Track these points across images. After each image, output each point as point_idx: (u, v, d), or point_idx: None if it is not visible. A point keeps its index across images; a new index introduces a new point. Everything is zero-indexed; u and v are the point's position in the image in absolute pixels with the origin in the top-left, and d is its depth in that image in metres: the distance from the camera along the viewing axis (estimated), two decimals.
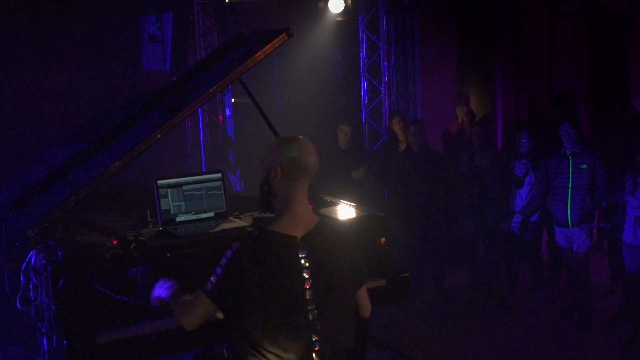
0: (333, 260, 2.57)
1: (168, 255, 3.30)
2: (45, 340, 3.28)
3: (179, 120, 3.62)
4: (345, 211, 3.84)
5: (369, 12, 8.77)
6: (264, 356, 2.48)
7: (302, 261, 2.51)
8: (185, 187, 3.79)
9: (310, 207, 3.72)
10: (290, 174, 2.54)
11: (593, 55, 9.99)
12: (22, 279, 3.34)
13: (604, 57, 9.89)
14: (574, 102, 8.88)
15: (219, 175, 3.92)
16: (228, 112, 9.83)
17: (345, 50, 10.13)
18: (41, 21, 7.51)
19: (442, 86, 9.44)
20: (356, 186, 6.75)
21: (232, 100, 9.69)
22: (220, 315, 2.60)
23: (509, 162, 6.52)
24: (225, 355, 3.67)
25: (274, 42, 3.78)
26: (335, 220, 3.68)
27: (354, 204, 3.97)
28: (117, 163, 3.37)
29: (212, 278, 2.51)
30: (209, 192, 3.85)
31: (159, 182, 3.73)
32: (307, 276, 2.51)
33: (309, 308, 2.50)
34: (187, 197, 3.78)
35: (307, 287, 2.51)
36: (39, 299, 3.26)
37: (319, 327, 2.51)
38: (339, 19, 8.88)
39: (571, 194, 5.76)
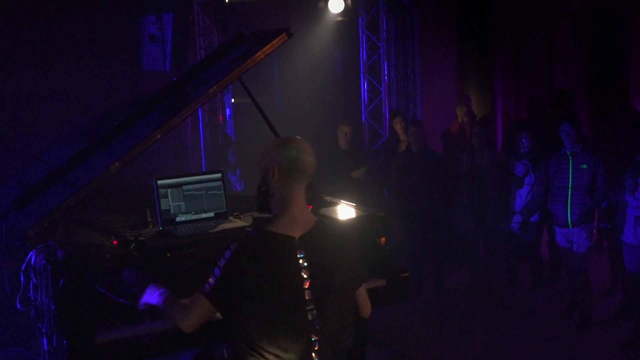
0: (331, 260, 2.57)
1: (168, 255, 3.30)
2: (45, 340, 3.28)
3: (179, 120, 3.62)
4: (345, 211, 3.84)
5: (369, 12, 8.77)
6: (263, 356, 2.48)
7: (301, 261, 2.52)
8: (185, 187, 3.79)
9: (310, 207, 3.75)
10: (288, 174, 2.54)
11: (593, 55, 9.99)
12: (22, 279, 3.34)
13: (604, 57, 9.88)
14: (574, 102, 8.88)
15: (219, 175, 3.92)
16: (228, 112, 9.83)
17: (345, 50, 10.13)
18: (41, 21, 7.51)
19: (442, 86, 9.44)
20: (356, 186, 6.75)
21: (232, 100, 9.69)
22: (219, 315, 2.60)
23: (509, 162, 6.52)
24: (225, 356, 3.66)
25: (274, 42, 3.78)
26: (334, 220, 3.69)
27: (354, 204, 3.97)
28: (117, 163, 3.37)
29: (210, 279, 2.51)
30: (209, 192, 3.85)
31: (159, 182, 3.73)
32: (305, 276, 2.51)
33: (308, 308, 2.50)
34: (187, 197, 3.78)
35: (306, 287, 2.51)
36: (39, 299, 3.26)
37: (318, 327, 2.51)
38: (339, 19, 8.88)
39: (571, 194, 5.76)
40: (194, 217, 3.79)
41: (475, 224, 6.85)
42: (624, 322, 5.87)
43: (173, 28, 7.78)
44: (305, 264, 2.52)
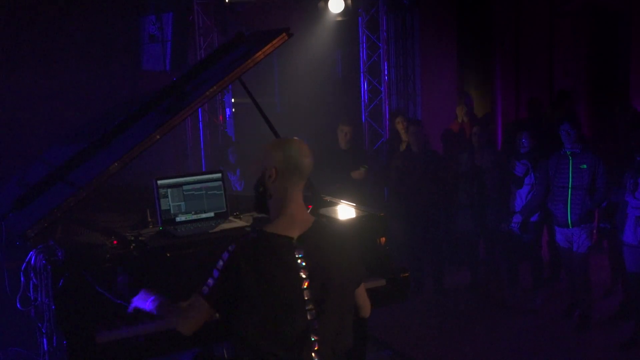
0: (330, 260, 2.57)
1: (168, 255, 3.30)
2: (45, 340, 3.28)
3: (179, 120, 3.62)
4: (345, 211, 3.84)
5: (369, 12, 8.77)
6: (263, 357, 2.48)
7: (299, 261, 2.52)
8: (185, 187, 3.79)
9: (310, 207, 3.75)
10: (285, 174, 2.55)
11: (593, 55, 9.99)
12: (22, 279, 3.34)
13: (604, 57, 9.88)
14: (574, 102, 8.88)
15: (219, 175, 3.92)
16: (228, 112, 9.83)
17: (345, 50, 10.13)
18: (41, 21, 7.51)
19: (442, 86, 9.44)
20: (356, 186, 6.75)
21: (232, 100, 9.70)
22: (218, 316, 2.60)
23: (509, 162, 6.52)
24: (225, 356, 3.67)
25: (274, 42, 3.79)
26: (333, 220, 3.69)
27: (354, 204, 3.96)
28: (117, 163, 3.37)
29: (209, 281, 2.51)
30: (209, 192, 3.85)
31: (159, 182, 3.73)
32: (304, 276, 2.51)
33: (307, 308, 2.51)
34: (187, 197, 3.78)
35: (305, 287, 2.51)
36: (39, 299, 3.26)
37: (317, 327, 2.52)
38: (339, 19, 8.88)
39: (571, 194, 5.76)
40: (194, 217, 3.79)
41: (475, 224, 6.85)
42: (624, 322, 5.87)
43: (173, 28, 7.78)
44: (304, 264, 2.52)
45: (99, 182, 3.37)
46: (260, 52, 3.72)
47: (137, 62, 8.29)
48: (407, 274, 3.71)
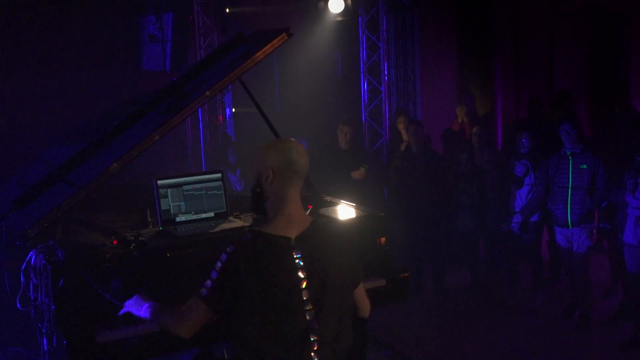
0: (328, 260, 2.57)
1: (168, 255, 3.29)
2: (45, 340, 3.28)
3: (179, 120, 3.62)
4: (345, 211, 3.84)
5: (369, 12, 8.77)
6: (262, 357, 2.48)
7: (297, 261, 2.52)
8: (185, 187, 3.79)
9: (310, 207, 3.75)
10: (282, 175, 2.55)
11: (593, 55, 9.99)
12: (22, 279, 3.33)
13: (604, 57, 9.89)
14: (574, 102, 8.88)
15: (219, 175, 3.92)
16: (228, 112, 9.84)
17: (345, 50, 10.13)
18: (41, 21, 7.51)
19: (442, 86, 9.44)
20: (356, 186, 6.75)
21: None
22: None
23: (509, 162, 6.52)
24: (225, 356, 3.66)
25: (274, 42, 3.78)
26: (333, 220, 3.68)
27: (354, 204, 3.96)
28: (117, 163, 3.37)
29: (207, 283, 2.51)
30: (209, 192, 3.85)
31: (159, 182, 3.72)
32: (302, 276, 2.51)
33: (306, 308, 2.51)
34: (187, 197, 3.78)
35: (303, 287, 2.51)
36: (39, 299, 3.26)
37: (316, 327, 2.52)
38: (339, 19, 8.88)
39: (571, 194, 5.76)
40: (194, 217, 3.79)
41: (475, 224, 6.85)
42: (624, 322, 5.87)
43: (173, 28, 7.78)
44: (302, 263, 2.52)
45: (99, 182, 3.37)
46: (260, 52, 3.72)
47: (137, 62, 8.29)
48: (407, 274, 3.70)
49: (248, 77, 3.91)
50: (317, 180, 4.20)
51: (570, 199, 5.76)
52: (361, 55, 8.90)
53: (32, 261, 3.26)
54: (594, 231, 6.29)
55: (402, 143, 7.57)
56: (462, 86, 9.79)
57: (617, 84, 9.48)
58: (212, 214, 3.83)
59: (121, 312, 2.95)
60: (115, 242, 3.35)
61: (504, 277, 6.86)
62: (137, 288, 3.11)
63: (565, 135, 5.75)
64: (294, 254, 2.53)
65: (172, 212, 3.74)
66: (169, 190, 3.74)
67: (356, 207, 3.90)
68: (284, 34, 3.81)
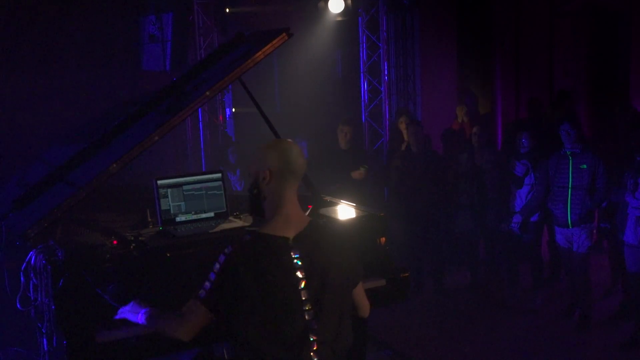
0: (327, 259, 2.57)
1: (168, 255, 3.29)
2: (45, 340, 3.28)
3: (179, 120, 3.62)
4: (345, 211, 3.84)
5: (369, 12, 8.77)
6: (262, 358, 2.48)
7: (296, 261, 2.52)
8: (185, 187, 3.79)
9: (310, 207, 3.75)
10: (279, 175, 2.55)
11: (593, 55, 9.99)
12: (22, 279, 3.33)
13: (604, 57, 9.89)
14: (574, 102, 8.88)
15: (219, 175, 3.92)
16: (228, 112, 9.84)
17: (345, 50, 10.14)
18: (41, 21, 7.52)
19: (442, 86, 9.44)
20: (356, 186, 6.75)
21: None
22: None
23: (509, 162, 6.52)
24: (225, 356, 3.66)
25: (274, 42, 3.78)
26: (332, 220, 3.68)
27: (354, 204, 3.96)
28: (117, 163, 3.37)
29: (205, 284, 2.51)
30: (209, 192, 3.85)
31: (159, 182, 3.72)
32: (301, 276, 2.52)
33: (305, 308, 2.51)
34: (187, 197, 3.78)
35: (302, 287, 2.51)
36: (39, 299, 3.26)
37: (316, 327, 2.52)
38: (339, 19, 8.88)
39: (571, 194, 5.76)
40: (194, 217, 3.79)
41: (475, 224, 6.85)
42: (624, 322, 5.86)
43: (173, 28, 7.78)
44: (300, 263, 2.52)
45: (99, 182, 3.37)
46: (260, 52, 3.72)
47: (137, 62, 8.29)
48: (407, 274, 3.70)
49: (248, 77, 3.91)
50: (317, 180, 4.20)
51: (570, 199, 5.76)
52: (361, 55, 8.90)
53: (32, 261, 3.26)
54: (594, 231, 6.29)
55: (403, 143, 7.57)
56: (462, 86, 9.80)
57: (617, 84, 9.48)
58: (212, 214, 3.83)
59: (116, 317, 2.95)
60: (115, 242, 3.35)
61: (504, 277, 6.86)
62: (136, 289, 3.12)
63: (565, 135, 5.74)
64: (292, 254, 2.53)
65: (172, 212, 3.74)
66: (169, 190, 3.74)
67: (356, 207, 3.90)
68: (284, 34, 3.81)
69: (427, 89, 9.27)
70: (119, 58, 8.12)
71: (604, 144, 7.18)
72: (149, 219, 3.78)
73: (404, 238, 6.79)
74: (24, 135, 6.91)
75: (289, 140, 2.69)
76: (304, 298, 2.51)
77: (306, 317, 2.51)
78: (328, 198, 4.06)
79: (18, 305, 3.36)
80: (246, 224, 3.75)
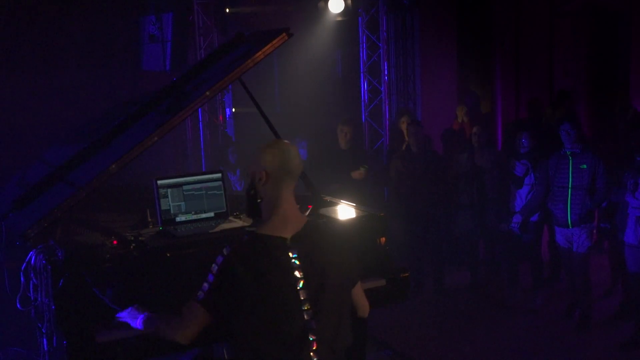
0: (325, 259, 2.57)
1: (168, 255, 3.29)
2: (45, 340, 3.28)
3: (179, 120, 3.61)
4: (345, 211, 3.84)
5: (369, 12, 8.77)
6: (262, 358, 2.48)
7: (294, 261, 2.52)
8: (185, 187, 3.79)
9: (310, 207, 3.75)
10: (276, 176, 2.56)
11: (593, 55, 10.00)
12: (22, 279, 3.33)
13: (604, 57, 9.89)
14: (574, 102, 8.89)
15: (219, 175, 3.92)
16: (228, 112, 9.84)
17: (345, 50, 10.14)
18: (41, 21, 7.53)
19: (442, 86, 9.45)
20: (356, 186, 6.75)
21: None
22: None
23: (509, 162, 6.52)
24: (225, 356, 3.66)
25: (274, 42, 3.78)
26: (333, 220, 3.68)
27: (354, 204, 3.96)
28: (117, 163, 3.36)
29: (204, 286, 2.51)
30: (209, 192, 3.85)
31: (159, 182, 3.72)
32: (299, 276, 2.52)
33: (304, 308, 2.51)
34: (187, 197, 3.78)
35: (301, 286, 2.51)
36: (39, 299, 3.26)
37: (315, 327, 2.52)
38: (339, 19, 8.88)
39: (571, 194, 5.76)
40: (194, 217, 3.79)
41: (475, 224, 6.85)
42: (624, 322, 5.87)
43: (173, 28, 7.79)
44: (298, 263, 2.52)
45: (99, 182, 3.36)
46: (260, 52, 3.72)
47: (137, 62, 8.30)
48: (407, 274, 3.70)
49: (248, 77, 3.91)
50: (317, 180, 4.20)
51: (570, 199, 5.76)
52: (361, 55, 8.90)
53: (32, 261, 3.26)
54: (594, 231, 6.29)
55: (404, 143, 7.57)
56: (462, 86, 9.80)
57: (617, 84, 9.49)
58: (212, 214, 3.83)
59: (116, 321, 2.95)
60: (115, 242, 3.35)
61: (504, 277, 6.86)
62: (136, 289, 3.11)
63: (565, 135, 5.74)
64: (290, 253, 2.53)
65: (172, 212, 3.74)
66: (169, 190, 3.74)
67: (356, 207, 3.90)
68: (284, 34, 3.81)
69: (427, 89, 9.27)
70: (119, 58, 8.13)
71: (604, 144, 7.19)
72: (149, 219, 3.78)
73: (404, 238, 6.79)
74: (24, 135, 6.91)
75: (286, 141, 2.70)
76: (302, 298, 2.51)
77: (305, 316, 2.51)
78: (328, 198, 4.06)
79: (18, 305, 3.36)
80: (246, 224, 3.75)
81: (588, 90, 10.07)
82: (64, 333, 2.95)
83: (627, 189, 5.43)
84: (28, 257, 3.28)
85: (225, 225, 3.72)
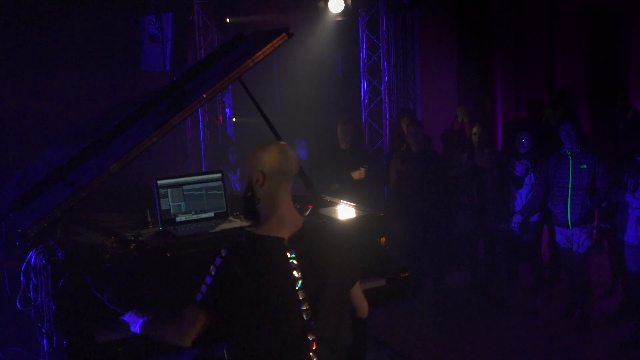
0: (323, 259, 2.58)
1: (168, 255, 3.29)
2: (45, 340, 3.28)
3: (179, 120, 3.62)
4: (345, 211, 3.84)
5: (369, 12, 8.77)
6: (261, 358, 2.48)
7: (292, 261, 2.52)
8: (185, 187, 3.79)
9: (310, 207, 3.75)
10: (272, 177, 2.56)
11: (593, 55, 10.00)
12: (22, 279, 3.33)
13: (604, 57, 9.90)
14: (574, 102, 8.89)
15: (219, 175, 3.92)
16: (228, 112, 9.85)
17: (345, 50, 10.14)
18: (41, 21, 7.53)
19: (442, 86, 9.45)
20: (356, 186, 6.75)
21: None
22: None
23: (509, 162, 6.52)
24: (225, 356, 3.67)
25: (274, 42, 3.78)
26: (333, 220, 3.68)
27: (354, 204, 3.96)
28: (117, 163, 3.37)
29: (202, 288, 2.51)
30: (209, 192, 3.85)
31: (159, 182, 3.72)
32: (298, 276, 2.52)
33: (302, 308, 2.51)
34: (187, 197, 3.78)
35: (299, 286, 2.51)
36: (39, 299, 3.26)
37: (314, 327, 2.52)
38: (339, 19, 8.89)
39: (571, 194, 5.76)
40: (194, 217, 3.79)
41: (475, 224, 6.85)
42: (624, 322, 5.86)
43: (173, 28, 7.79)
44: (296, 263, 2.53)
45: (99, 182, 3.37)
46: (260, 52, 3.72)
47: (137, 62, 8.30)
48: (407, 274, 3.70)
49: (248, 77, 3.91)
50: (317, 180, 4.20)
51: (570, 199, 5.76)
52: (361, 55, 8.90)
53: (32, 261, 3.26)
54: (594, 231, 6.29)
55: (404, 142, 7.57)
56: (462, 86, 9.80)
57: (617, 84, 9.48)
58: (212, 214, 3.83)
59: (116, 322, 2.96)
60: (115, 242, 3.35)
61: (504, 277, 6.86)
62: (136, 290, 3.11)
63: (565, 135, 5.74)
64: (287, 254, 2.53)
65: (172, 212, 3.74)
66: (169, 190, 3.74)
67: (356, 207, 3.90)
68: (284, 34, 3.81)
69: (427, 89, 9.28)
70: (119, 58, 8.13)
71: (604, 144, 7.19)
72: (149, 219, 3.78)
73: (404, 238, 6.79)
74: (24, 135, 6.91)
75: (280, 142, 2.70)
76: (301, 298, 2.51)
77: (304, 316, 2.51)
78: (328, 198, 4.06)
79: (18, 305, 3.36)
80: (246, 224, 3.75)
81: (588, 90, 10.07)
82: (64, 333, 2.95)
83: (627, 189, 5.43)
84: (28, 257, 3.28)
85: (226, 225, 3.72)
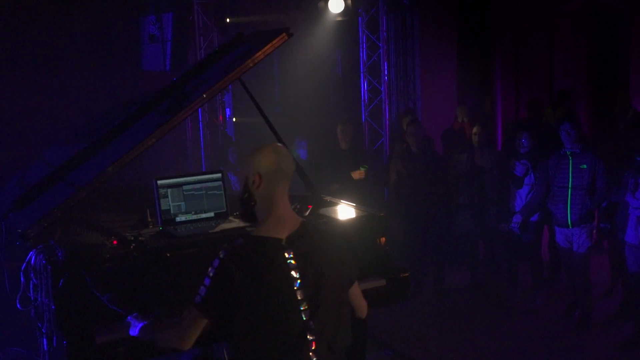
0: (321, 259, 2.58)
1: (168, 255, 3.29)
2: (45, 340, 3.28)
3: (179, 120, 3.62)
4: (345, 211, 3.84)
5: (369, 12, 8.77)
6: (261, 358, 2.48)
7: (290, 261, 2.53)
8: (185, 187, 3.79)
9: (310, 207, 3.75)
10: (269, 178, 2.56)
11: (593, 55, 10.00)
12: (22, 279, 3.33)
13: (604, 57, 9.90)
14: (574, 102, 8.89)
15: (219, 175, 3.92)
16: (228, 112, 9.85)
17: (345, 50, 10.14)
18: (41, 21, 7.53)
19: (442, 86, 9.45)
20: (356, 186, 6.75)
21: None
22: None
23: (509, 162, 6.52)
24: (225, 356, 3.67)
25: (274, 42, 3.78)
26: (333, 220, 3.68)
27: (354, 204, 3.96)
28: (117, 163, 3.37)
29: (200, 290, 2.51)
30: (209, 192, 3.85)
31: (159, 182, 3.72)
32: (296, 276, 2.52)
33: (301, 308, 2.51)
34: (187, 197, 3.78)
35: (298, 286, 2.51)
36: (39, 299, 3.26)
37: (314, 327, 2.52)
38: (339, 19, 8.88)
39: (571, 194, 5.76)
40: (194, 217, 3.79)
41: (475, 224, 6.85)
42: (624, 322, 5.87)
43: (173, 28, 7.79)
44: (294, 263, 2.53)
45: (99, 182, 3.37)
46: (260, 52, 3.72)
47: (137, 62, 8.30)
48: (407, 274, 3.70)
49: (248, 77, 3.91)
50: (317, 180, 4.20)
51: (570, 199, 5.76)
52: (361, 55, 8.90)
53: (32, 261, 3.26)
54: (594, 231, 6.29)
55: (404, 143, 7.57)
56: (462, 86, 9.80)
57: (617, 84, 9.49)
58: (212, 214, 3.83)
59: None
60: (115, 242, 3.35)
61: (504, 277, 6.86)
62: (136, 290, 3.11)
63: (565, 135, 5.74)
64: (285, 254, 2.53)
65: (172, 212, 3.74)
66: (169, 190, 3.74)
67: (356, 207, 3.90)
68: (284, 34, 3.81)
69: (427, 89, 9.28)
70: (119, 58, 8.13)
71: (604, 144, 7.19)
72: (149, 219, 3.78)
73: (404, 238, 6.79)
74: (24, 135, 6.92)
75: (276, 144, 2.72)
76: (300, 298, 2.51)
77: (303, 316, 2.51)
78: (328, 198, 4.06)
79: (18, 305, 3.36)
80: (246, 225, 3.75)
81: (588, 90, 10.07)
82: (64, 333, 2.95)
83: (627, 189, 5.43)
84: (28, 257, 3.28)
85: (225, 226, 3.72)
